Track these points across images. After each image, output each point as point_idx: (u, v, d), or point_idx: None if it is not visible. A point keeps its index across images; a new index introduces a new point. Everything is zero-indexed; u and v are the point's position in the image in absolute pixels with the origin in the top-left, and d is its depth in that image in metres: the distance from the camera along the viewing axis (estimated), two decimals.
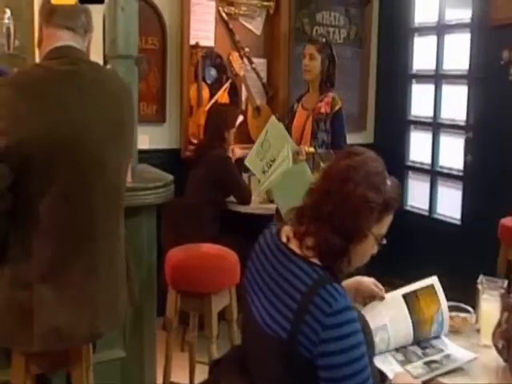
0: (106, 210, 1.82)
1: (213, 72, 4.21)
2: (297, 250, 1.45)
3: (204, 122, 3.88)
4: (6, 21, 3.64)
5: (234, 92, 4.27)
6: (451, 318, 1.96)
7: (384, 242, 1.48)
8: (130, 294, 2.02)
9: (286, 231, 1.50)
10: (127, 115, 1.90)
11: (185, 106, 4.03)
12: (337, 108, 3.45)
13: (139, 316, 2.53)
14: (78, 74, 1.75)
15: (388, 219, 1.47)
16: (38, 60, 2.05)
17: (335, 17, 4.66)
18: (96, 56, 3.29)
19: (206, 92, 4.11)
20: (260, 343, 1.45)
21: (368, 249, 1.47)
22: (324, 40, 3.60)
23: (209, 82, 4.17)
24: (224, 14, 4.23)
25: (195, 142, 4.01)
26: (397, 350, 1.82)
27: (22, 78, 1.76)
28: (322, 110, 3.43)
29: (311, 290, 1.35)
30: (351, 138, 4.88)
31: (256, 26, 4.39)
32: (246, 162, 3.36)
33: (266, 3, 4.38)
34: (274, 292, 1.43)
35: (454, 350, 1.83)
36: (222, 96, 4.16)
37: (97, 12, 3.40)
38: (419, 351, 1.83)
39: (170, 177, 2.67)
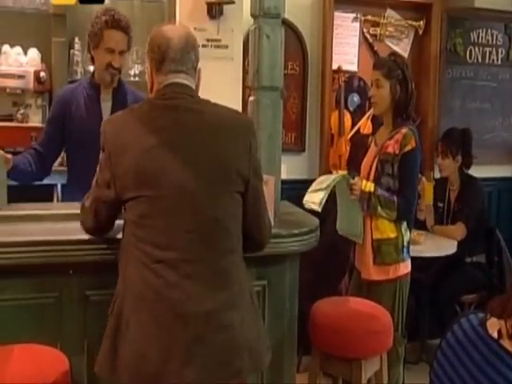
0: (203, 248, 1.70)
1: (355, 98, 3.96)
2: None
3: (346, 154, 3.62)
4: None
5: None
6: None
7: None
8: None
9: (495, 325, 1.23)
10: (233, 149, 1.76)
11: (325, 134, 3.80)
12: (407, 149, 2.72)
13: (278, 374, 2.30)
14: (176, 106, 1.76)
15: None
16: None
17: (493, 35, 4.23)
18: (234, 86, 3.21)
19: (347, 119, 3.86)
20: None
21: None
22: (392, 59, 2.89)
23: (351, 108, 3.93)
24: (368, 36, 4.00)
25: None
26: None
27: (127, 113, 1.82)
28: (390, 150, 2.75)
29: None
30: (510, 172, 4.42)
31: (403, 47, 4.07)
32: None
33: (414, 23, 4.06)
34: None
35: None
36: (365, 124, 3.87)
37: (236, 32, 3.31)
38: None
39: (316, 221, 2.43)
